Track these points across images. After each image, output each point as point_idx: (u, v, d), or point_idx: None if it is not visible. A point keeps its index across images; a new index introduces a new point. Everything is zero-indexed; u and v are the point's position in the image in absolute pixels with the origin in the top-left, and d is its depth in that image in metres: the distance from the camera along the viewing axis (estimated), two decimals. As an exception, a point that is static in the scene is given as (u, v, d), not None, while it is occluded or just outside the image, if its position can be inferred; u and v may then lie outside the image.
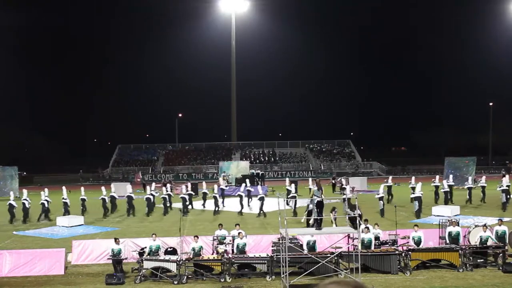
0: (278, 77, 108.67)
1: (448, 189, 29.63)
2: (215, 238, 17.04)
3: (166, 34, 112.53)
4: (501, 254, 15.36)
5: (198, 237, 16.31)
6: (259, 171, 49.25)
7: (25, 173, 62.27)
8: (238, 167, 46.87)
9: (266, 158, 67.41)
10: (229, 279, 14.71)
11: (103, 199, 28.59)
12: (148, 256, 15.39)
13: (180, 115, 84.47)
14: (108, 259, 16.00)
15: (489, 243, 15.79)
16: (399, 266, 15.11)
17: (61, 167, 74.63)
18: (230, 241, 16.65)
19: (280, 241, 15.03)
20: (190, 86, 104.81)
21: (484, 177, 32.02)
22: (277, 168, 64.06)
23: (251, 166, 53.82)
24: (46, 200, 27.40)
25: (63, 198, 28.28)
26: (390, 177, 33.04)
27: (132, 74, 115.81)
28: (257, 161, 65.70)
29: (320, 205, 15.43)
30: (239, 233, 16.47)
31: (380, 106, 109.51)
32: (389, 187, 30.90)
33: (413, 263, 15.17)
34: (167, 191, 30.15)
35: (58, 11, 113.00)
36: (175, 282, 14.49)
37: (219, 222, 19.58)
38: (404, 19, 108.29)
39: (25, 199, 27.30)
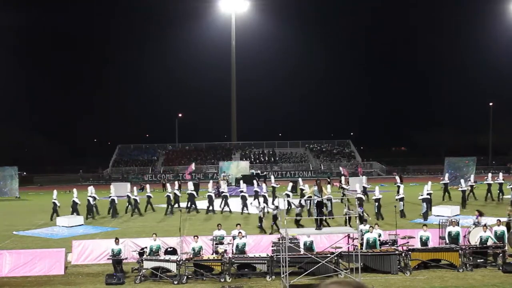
0: (278, 77, 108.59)
1: (466, 189, 29.57)
2: (213, 238, 17.04)
3: (166, 34, 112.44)
4: (501, 254, 15.36)
5: (198, 237, 16.32)
6: (259, 171, 49.27)
7: (25, 173, 62.28)
8: (238, 167, 46.90)
9: (266, 158, 67.43)
10: (229, 279, 14.71)
11: (133, 199, 28.48)
12: (148, 256, 15.39)
13: (180, 115, 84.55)
14: (108, 259, 16.00)
15: (489, 243, 15.79)
16: (399, 266, 15.11)
17: (61, 167, 74.65)
18: (230, 241, 16.65)
19: (280, 241, 15.03)
20: (190, 86, 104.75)
21: (490, 174, 32.44)
22: (277, 168, 64.06)
23: (251, 166, 53.84)
24: (93, 197, 27.91)
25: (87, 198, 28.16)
26: (446, 175, 33.04)
27: (132, 74, 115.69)
28: (257, 161, 65.73)
29: (320, 205, 15.44)
30: (239, 233, 16.47)
31: (380, 106, 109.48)
32: (445, 185, 31.20)
33: (413, 263, 15.17)
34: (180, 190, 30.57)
35: (58, 11, 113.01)
36: (175, 282, 14.49)
37: (219, 222, 19.58)
38: (404, 19, 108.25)
39: (92, 196, 27.77)
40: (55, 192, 28.46)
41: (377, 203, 24.61)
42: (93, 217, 27.37)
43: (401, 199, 25.29)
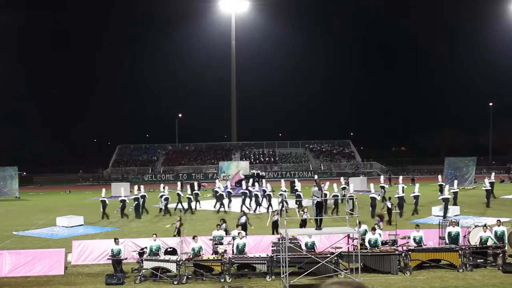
0: (278, 77, 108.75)
1: (490, 188, 29.62)
2: (212, 238, 17.04)
3: (166, 34, 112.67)
4: (501, 254, 15.36)
5: (197, 237, 16.31)
6: (258, 171, 49.24)
7: (25, 173, 62.26)
8: (238, 167, 46.81)
9: (266, 158, 67.42)
10: (229, 279, 14.71)
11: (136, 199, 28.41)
12: (148, 256, 15.39)
13: (180, 115, 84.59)
14: (108, 259, 16.00)
15: (489, 243, 15.79)
16: (399, 266, 15.11)
17: (61, 167, 74.63)
18: (230, 241, 16.64)
19: (280, 241, 15.03)
20: (190, 86, 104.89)
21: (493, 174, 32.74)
22: (277, 168, 64.06)
23: (251, 166, 53.80)
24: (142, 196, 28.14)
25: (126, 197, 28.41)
26: (493, 173, 33.33)
27: (132, 74, 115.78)
28: (257, 161, 65.70)
29: (319, 205, 15.43)
30: (238, 233, 16.47)
31: (380, 106, 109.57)
32: (492, 183, 31.30)
33: (413, 263, 15.17)
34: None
35: (58, 11, 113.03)
36: (175, 282, 14.49)
37: (218, 223, 19.54)
38: (404, 19, 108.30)
39: (142, 195, 28.00)
40: (103, 190, 28.63)
41: (398, 201, 25.14)
42: (139, 217, 27.24)
43: (416, 197, 25.96)
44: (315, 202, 15.66)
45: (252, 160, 64.10)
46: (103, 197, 27.39)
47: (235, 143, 71.97)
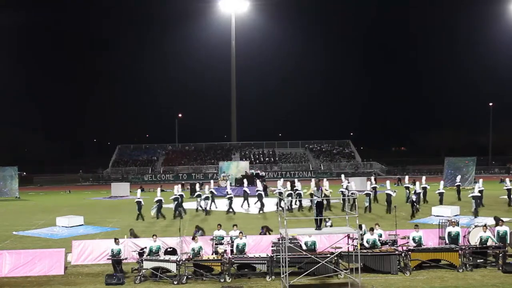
0: (278, 77, 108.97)
1: (511, 187, 29.38)
2: (213, 238, 17.04)
3: (166, 34, 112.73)
4: (501, 254, 15.35)
5: (197, 237, 16.30)
6: (258, 171, 49.27)
7: (25, 173, 62.29)
8: (238, 167, 46.83)
9: (266, 158, 67.43)
10: (229, 279, 14.70)
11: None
12: (148, 256, 15.39)
13: (180, 115, 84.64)
14: (108, 259, 16.00)
15: (489, 243, 15.78)
16: (399, 266, 15.10)
17: (61, 167, 74.69)
18: (229, 241, 16.64)
19: (280, 241, 15.02)
20: (190, 86, 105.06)
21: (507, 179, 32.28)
22: (277, 168, 64.07)
23: (251, 166, 53.82)
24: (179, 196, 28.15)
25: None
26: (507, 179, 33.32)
27: (132, 74, 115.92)
28: (257, 161, 65.72)
29: (319, 205, 15.41)
30: (240, 233, 16.47)
31: (380, 106, 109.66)
32: None
33: (413, 263, 15.17)
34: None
35: (58, 11, 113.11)
36: (175, 282, 14.49)
37: (219, 223, 19.56)
38: (404, 19, 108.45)
39: (179, 194, 28.10)
40: (139, 191, 28.66)
41: (416, 197, 26.25)
42: (181, 217, 26.82)
43: (441, 194, 28.46)
44: (315, 202, 15.64)
45: (252, 160, 64.12)
46: (139, 198, 27.25)
47: (235, 143, 71.99)
